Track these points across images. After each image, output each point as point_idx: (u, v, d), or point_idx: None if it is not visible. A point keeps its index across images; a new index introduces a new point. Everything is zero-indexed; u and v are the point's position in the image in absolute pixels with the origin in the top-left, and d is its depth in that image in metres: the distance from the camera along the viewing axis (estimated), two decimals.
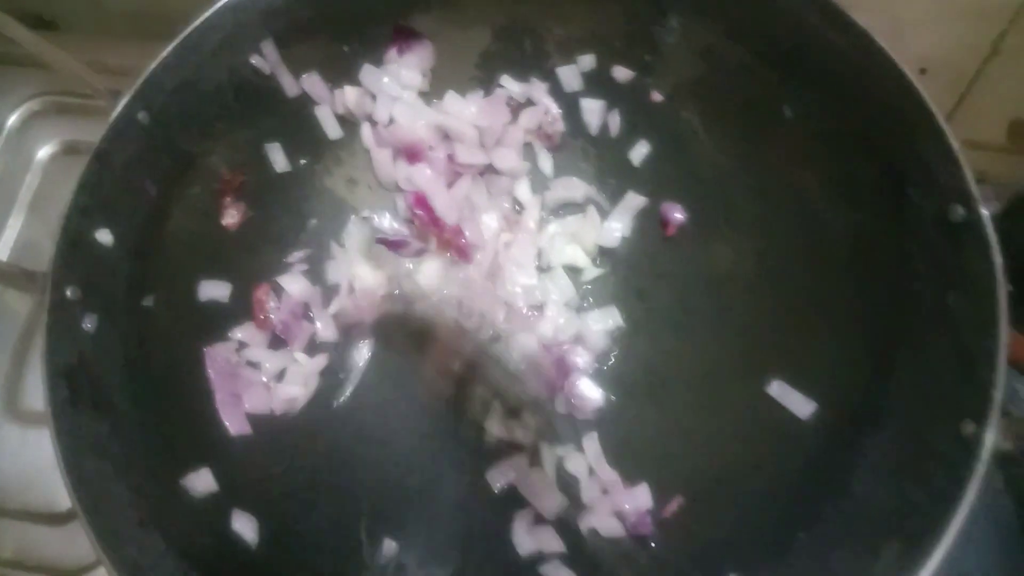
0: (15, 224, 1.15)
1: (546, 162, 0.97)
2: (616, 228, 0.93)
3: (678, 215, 0.92)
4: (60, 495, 0.66)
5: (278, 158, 0.92)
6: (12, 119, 1.19)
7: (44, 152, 1.18)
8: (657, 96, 0.93)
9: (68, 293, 0.74)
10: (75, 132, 1.17)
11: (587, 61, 0.93)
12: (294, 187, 0.93)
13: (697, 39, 0.87)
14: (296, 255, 0.92)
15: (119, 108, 0.78)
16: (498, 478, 0.85)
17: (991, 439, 0.60)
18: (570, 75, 0.94)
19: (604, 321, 0.90)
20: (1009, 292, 0.66)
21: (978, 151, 1.10)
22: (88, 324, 0.75)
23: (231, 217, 0.89)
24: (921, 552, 0.59)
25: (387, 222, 0.95)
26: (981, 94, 1.08)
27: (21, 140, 1.18)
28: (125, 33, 1.11)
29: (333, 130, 0.95)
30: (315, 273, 0.93)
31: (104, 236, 0.78)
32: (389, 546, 0.82)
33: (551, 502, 0.83)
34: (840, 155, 0.80)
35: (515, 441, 0.86)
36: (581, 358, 0.89)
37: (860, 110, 0.76)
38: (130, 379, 0.77)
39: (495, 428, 0.87)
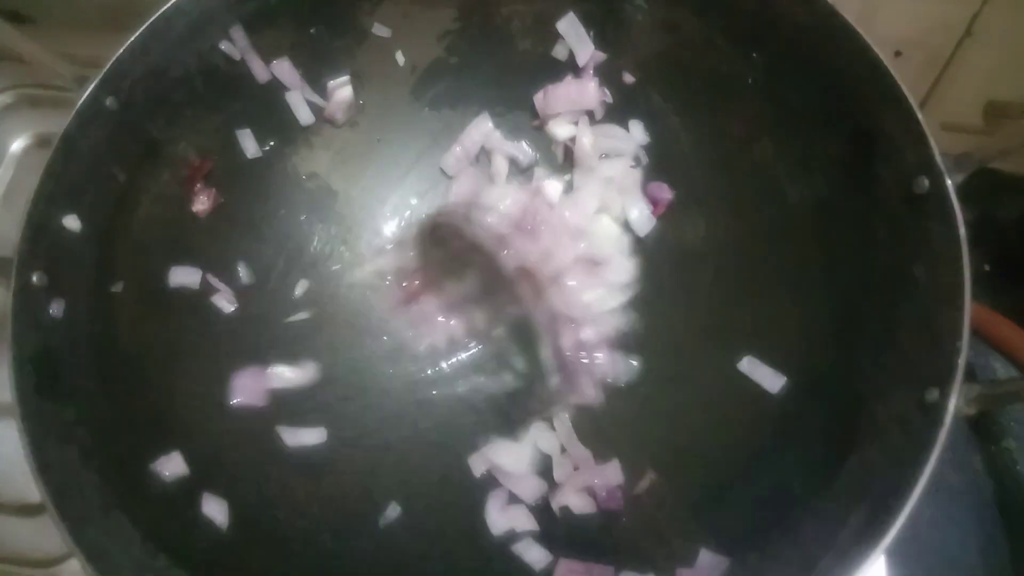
0: None
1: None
2: None
3: (666, 195, 0.92)
4: (31, 487, 0.66)
5: (248, 144, 0.92)
6: None
7: (17, 145, 1.18)
8: (629, 78, 0.92)
9: (34, 279, 0.73)
10: (48, 125, 1.17)
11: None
12: (265, 173, 0.93)
13: (663, 16, 0.87)
14: None
15: (86, 93, 0.77)
16: (479, 464, 0.85)
17: (953, 405, 0.60)
18: None
19: None
20: (986, 271, 0.66)
21: (955, 133, 1.10)
22: (55, 310, 0.75)
23: (201, 204, 0.89)
24: (886, 517, 0.59)
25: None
26: (956, 76, 1.08)
27: None
28: (99, 26, 1.10)
29: (304, 116, 0.94)
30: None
31: (71, 222, 0.77)
32: None
33: (529, 486, 0.83)
34: (804, 129, 0.80)
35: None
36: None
37: (825, 84, 0.76)
38: (98, 365, 0.77)
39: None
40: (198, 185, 0.89)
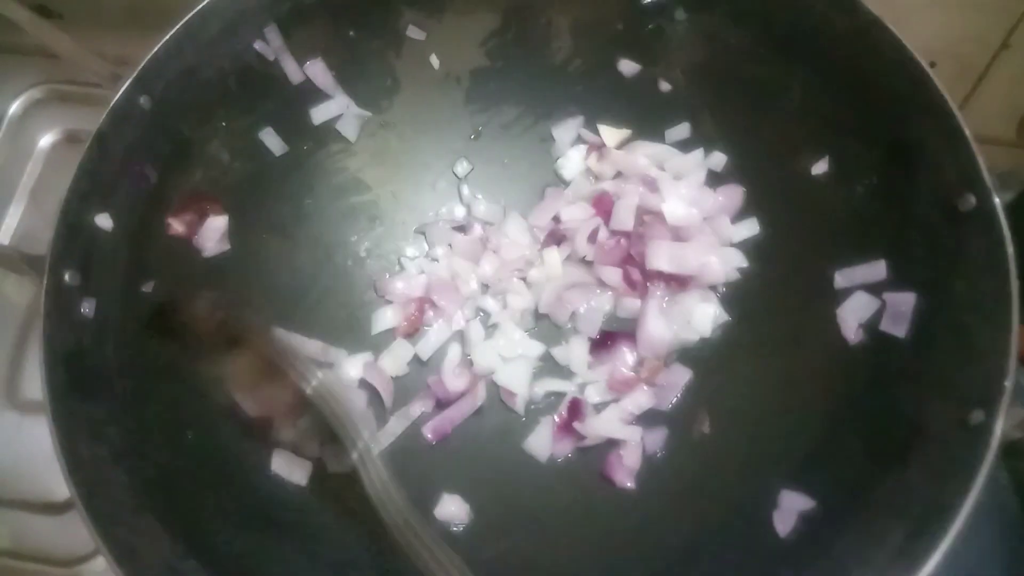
0: (16, 212, 1.15)
1: None
2: None
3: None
4: (57, 485, 0.65)
5: (274, 143, 0.91)
6: (14, 107, 1.18)
7: (46, 140, 1.18)
8: (665, 86, 0.92)
9: (66, 277, 0.73)
10: (77, 121, 1.17)
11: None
12: (295, 173, 0.93)
13: (702, 26, 0.86)
14: None
15: (120, 92, 0.77)
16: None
17: (1000, 428, 0.59)
18: None
19: None
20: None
21: (987, 146, 1.09)
22: (86, 309, 0.74)
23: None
24: (926, 540, 0.58)
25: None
26: (991, 89, 1.07)
27: (23, 128, 1.18)
28: (127, 25, 1.11)
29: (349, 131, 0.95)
30: None
31: (104, 221, 0.77)
32: None
33: None
34: (844, 139, 0.79)
35: None
36: None
37: (867, 95, 0.76)
38: (128, 364, 0.76)
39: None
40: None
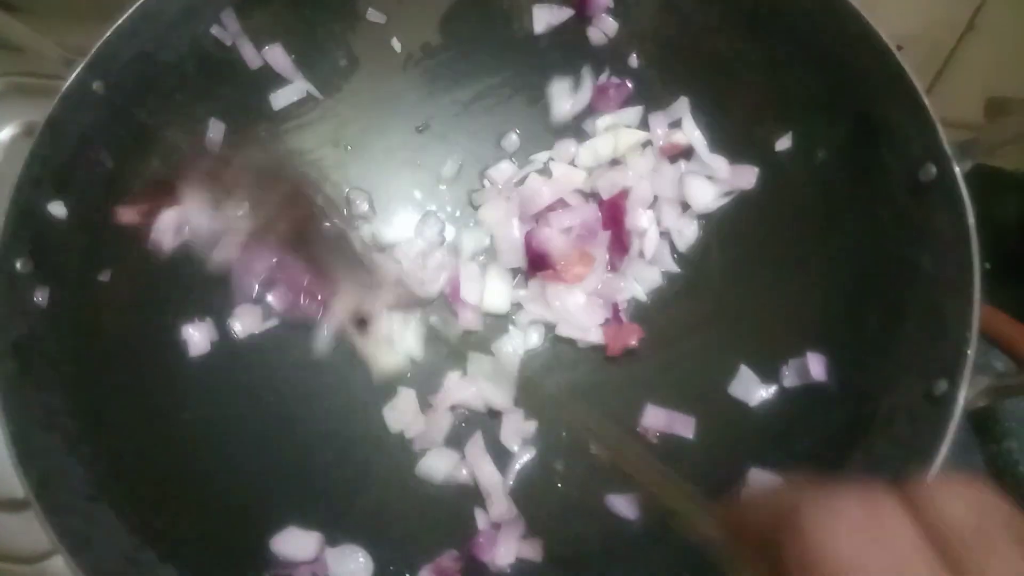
0: None
1: None
2: None
3: None
4: (18, 481, 0.64)
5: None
6: None
7: (5, 134, 1.15)
8: (635, 61, 0.91)
9: (18, 265, 0.72)
10: (37, 113, 1.11)
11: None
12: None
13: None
14: None
15: (72, 76, 0.76)
16: None
17: (963, 396, 0.59)
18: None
19: None
20: (986, 268, 0.65)
21: (955, 129, 1.09)
22: (40, 297, 0.73)
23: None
24: None
25: None
26: (958, 71, 1.08)
27: None
28: (86, 14, 1.09)
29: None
30: None
31: (57, 208, 0.76)
32: None
33: None
34: (808, 115, 0.79)
35: None
36: None
37: (829, 69, 0.75)
38: (83, 353, 0.75)
39: None
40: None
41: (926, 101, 0.68)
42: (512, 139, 0.95)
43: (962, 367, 0.60)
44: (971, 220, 0.63)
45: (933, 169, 0.66)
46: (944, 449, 0.58)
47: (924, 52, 1.06)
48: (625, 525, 0.80)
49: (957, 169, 0.64)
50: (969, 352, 0.60)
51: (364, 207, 0.95)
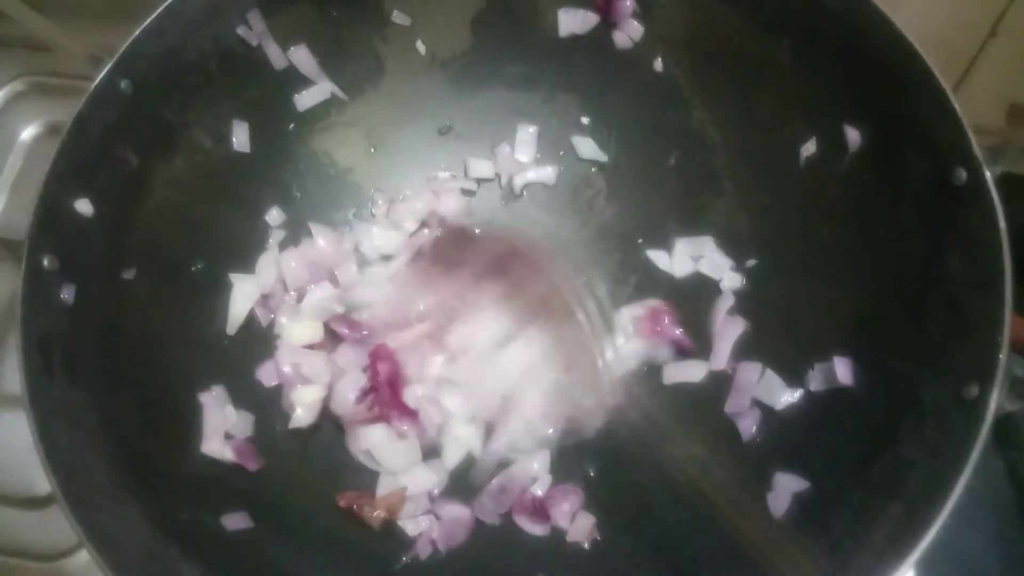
0: None
1: None
2: None
3: None
4: (38, 479, 0.64)
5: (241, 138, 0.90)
6: None
7: (28, 133, 1.17)
8: (659, 65, 0.91)
9: (45, 262, 0.72)
10: (59, 113, 1.15)
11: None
12: (278, 159, 0.92)
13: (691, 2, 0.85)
14: None
15: (100, 75, 0.76)
16: None
17: (995, 401, 0.59)
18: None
19: None
20: None
21: (976, 135, 1.09)
22: (66, 294, 0.73)
23: None
24: (923, 516, 0.57)
25: None
26: (980, 77, 1.07)
27: (4, 120, 1.17)
28: (106, 14, 1.10)
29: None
30: None
31: (83, 206, 0.76)
32: None
33: None
34: (834, 116, 0.78)
35: None
36: None
37: (855, 70, 0.75)
38: (108, 350, 0.75)
39: None
40: None
41: (956, 105, 0.67)
42: (532, 141, 0.95)
43: (994, 370, 0.59)
44: (1003, 224, 0.63)
45: (964, 174, 0.66)
46: (976, 453, 0.57)
47: (946, 58, 1.05)
48: None
49: (988, 174, 0.64)
50: (1001, 356, 0.59)
51: (384, 208, 0.96)
